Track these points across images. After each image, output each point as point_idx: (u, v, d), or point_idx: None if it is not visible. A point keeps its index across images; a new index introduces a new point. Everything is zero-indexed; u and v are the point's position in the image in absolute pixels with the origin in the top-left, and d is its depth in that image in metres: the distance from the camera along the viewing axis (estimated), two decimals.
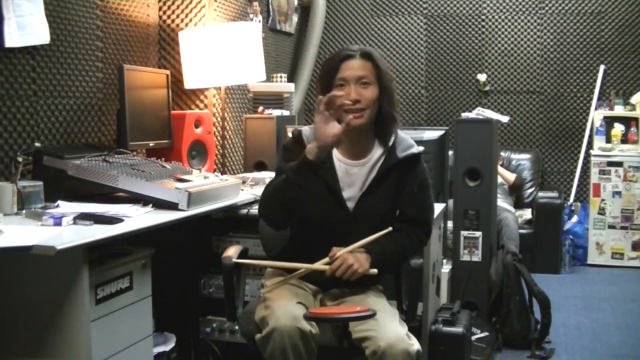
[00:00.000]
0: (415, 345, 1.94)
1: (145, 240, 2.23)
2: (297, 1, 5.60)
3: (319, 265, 2.07)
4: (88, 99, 3.04)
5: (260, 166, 3.59)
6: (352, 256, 2.04)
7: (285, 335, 1.86)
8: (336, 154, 2.20)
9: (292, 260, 2.17)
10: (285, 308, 1.92)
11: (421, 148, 2.24)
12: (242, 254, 2.26)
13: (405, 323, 2.07)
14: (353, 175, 2.18)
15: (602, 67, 5.67)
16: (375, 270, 2.06)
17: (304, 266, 2.10)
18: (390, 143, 2.20)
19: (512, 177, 5.36)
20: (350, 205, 2.17)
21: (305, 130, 2.21)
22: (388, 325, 1.96)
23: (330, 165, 2.18)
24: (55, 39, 2.80)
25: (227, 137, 3.80)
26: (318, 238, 2.15)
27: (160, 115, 3.19)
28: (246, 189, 2.98)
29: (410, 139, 2.24)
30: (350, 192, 2.17)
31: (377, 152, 2.21)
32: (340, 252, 2.05)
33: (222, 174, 2.91)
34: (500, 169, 4.96)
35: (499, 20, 5.88)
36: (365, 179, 2.18)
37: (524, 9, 5.83)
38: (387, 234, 2.10)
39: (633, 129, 5.46)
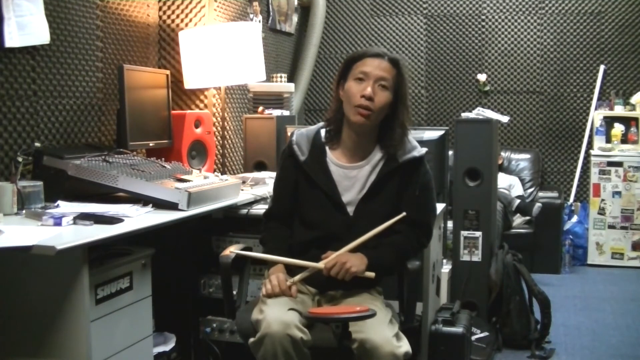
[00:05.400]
0: (403, 347, 1.93)
1: (145, 240, 2.23)
2: (297, 1, 5.60)
3: (316, 263, 2.08)
4: (88, 99, 3.04)
5: (260, 166, 3.59)
6: (345, 256, 2.04)
7: (276, 342, 1.87)
8: (332, 158, 2.18)
9: (294, 265, 2.16)
10: (277, 315, 1.91)
11: (424, 150, 2.20)
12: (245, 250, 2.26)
13: (397, 324, 2.06)
14: (352, 178, 2.16)
15: (602, 67, 5.66)
16: (372, 274, 2.06)
17: (300, 263, 2.10)
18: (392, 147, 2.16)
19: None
20: (350, 209, 2.15)
21: (300, 133, 2.21)
22: (375, 327, 1.94)
23: (326, 171, 2.16)
24: (55, 39, 2.80)
25: (227, 137, 3.80)
26: (319, 243, 2.14)
27: (160, 115, 3.18)
28: (246, 189, 2.98)
29: (414, 141, 2.20)
30: (350, 196, 2.16)
31: (378, 154, 2.18)
32: (335, 254, 2.06)
33: (222, 174, 2.91)
34: (499, 189, 4.93)
35: (499, 20, 5.88)
36: (364, 181, 2.16)
37: (524, 9, 5.83)
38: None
39: (633, 129, 5.45)
